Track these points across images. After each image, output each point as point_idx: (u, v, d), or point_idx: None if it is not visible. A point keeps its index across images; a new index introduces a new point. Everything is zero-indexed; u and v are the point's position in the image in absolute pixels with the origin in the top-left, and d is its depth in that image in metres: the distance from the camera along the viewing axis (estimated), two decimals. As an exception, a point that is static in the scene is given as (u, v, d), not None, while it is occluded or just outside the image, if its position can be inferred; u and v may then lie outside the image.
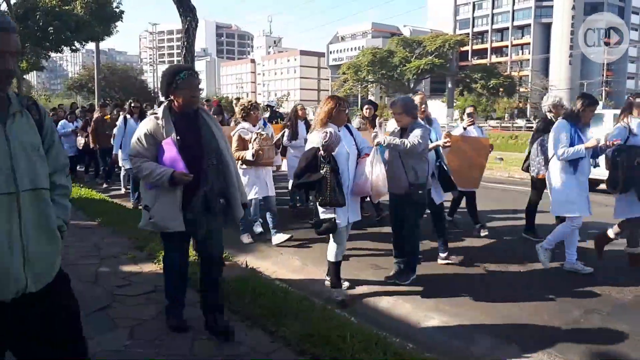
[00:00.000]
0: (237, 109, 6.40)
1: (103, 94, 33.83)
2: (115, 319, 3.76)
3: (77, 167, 12.67)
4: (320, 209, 4.22)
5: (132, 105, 9.47)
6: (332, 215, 4.16)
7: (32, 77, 78.05)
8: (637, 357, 3.42)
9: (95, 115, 11.24)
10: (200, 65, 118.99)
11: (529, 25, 79.62)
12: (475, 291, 4.61)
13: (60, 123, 11.88)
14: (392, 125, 5.38)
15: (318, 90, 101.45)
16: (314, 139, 4.24)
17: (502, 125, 52.45)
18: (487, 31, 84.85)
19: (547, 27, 78.14)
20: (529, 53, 78.97)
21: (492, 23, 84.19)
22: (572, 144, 4.84)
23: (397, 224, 4.88)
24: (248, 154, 5.85)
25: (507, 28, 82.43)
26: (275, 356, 3.23)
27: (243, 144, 5.95)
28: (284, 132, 7.37)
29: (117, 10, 24.92)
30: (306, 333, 3.36)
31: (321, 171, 4.06)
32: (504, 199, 9.63)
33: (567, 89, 63.72)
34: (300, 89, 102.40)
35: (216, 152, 3.33)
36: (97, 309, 3.93)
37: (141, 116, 8.71)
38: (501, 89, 61.87)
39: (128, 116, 9.15)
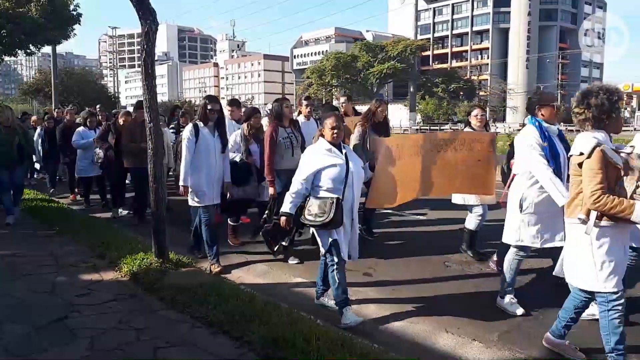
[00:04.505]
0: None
1: (60, 99, 32.82)
2: (74, 330, 3.64)
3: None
4: None
5: (209, 108, 5.23)
6: None
7: (-16, 81, 75.11)
8: (594, 346, 3.54)
9: (122, 119, 8.17)
10: (161, 70, 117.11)
11: (488, 30, 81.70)
12: (439, 292, 4.67)
13: (78, 131, 8.86)
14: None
15: (282, 94, 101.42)
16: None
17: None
18: (447, 36, 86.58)
19: (505, 32, 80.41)
20: (488, 57, 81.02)
21: (452, 28, 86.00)
22: None
23: None
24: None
25: (467, 33, 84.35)
26: (240, 361, 3.19)
27: (615, 175, 2.95)
28: None
29: (75, 13, 24.22)
30: (271, 337, 3.33)
31: None
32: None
33: (524, 92, 65.60)
34: (265, 92, 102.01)
35: None
36: (53, 320, 3.80)
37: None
38: (461, 93, 63.54)
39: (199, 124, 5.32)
